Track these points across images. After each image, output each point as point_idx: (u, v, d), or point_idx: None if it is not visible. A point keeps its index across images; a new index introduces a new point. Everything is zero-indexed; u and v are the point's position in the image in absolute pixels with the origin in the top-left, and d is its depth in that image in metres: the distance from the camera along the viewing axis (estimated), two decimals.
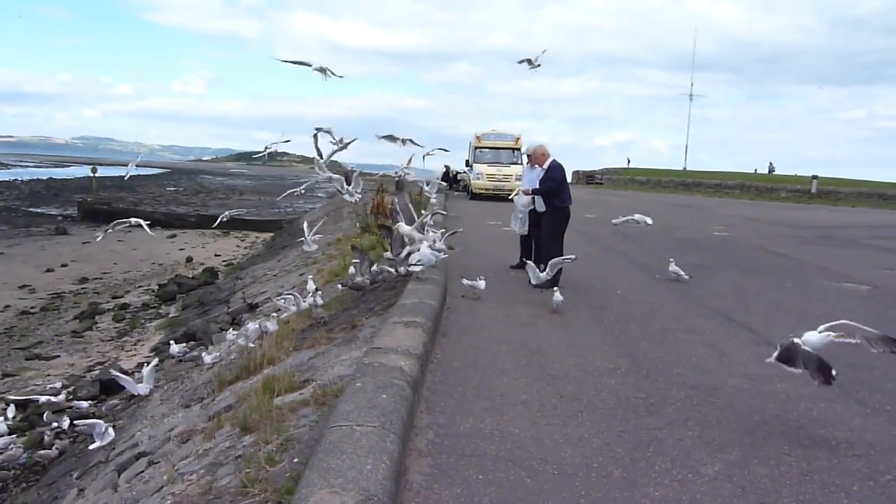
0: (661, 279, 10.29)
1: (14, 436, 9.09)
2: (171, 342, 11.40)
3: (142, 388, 8.79)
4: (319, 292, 9.22)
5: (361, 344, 6.40)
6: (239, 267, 24.44)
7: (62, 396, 10.16)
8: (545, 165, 9.78)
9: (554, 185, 9.56)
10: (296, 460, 3.72)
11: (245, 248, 32.21)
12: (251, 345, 8.74)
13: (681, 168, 66.05)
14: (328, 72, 8.68)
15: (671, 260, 10.31)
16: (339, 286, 9.68)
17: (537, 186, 9.78)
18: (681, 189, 49.39)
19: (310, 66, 8.50)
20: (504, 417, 4.54)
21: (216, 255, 29.00)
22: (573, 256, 8.77)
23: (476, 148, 29.29)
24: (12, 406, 10.00)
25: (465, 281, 8.37)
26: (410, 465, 3.72)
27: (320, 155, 9.22)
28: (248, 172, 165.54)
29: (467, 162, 30.65)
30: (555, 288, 7.96)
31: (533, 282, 8.49)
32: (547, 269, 8.37)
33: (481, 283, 8.27)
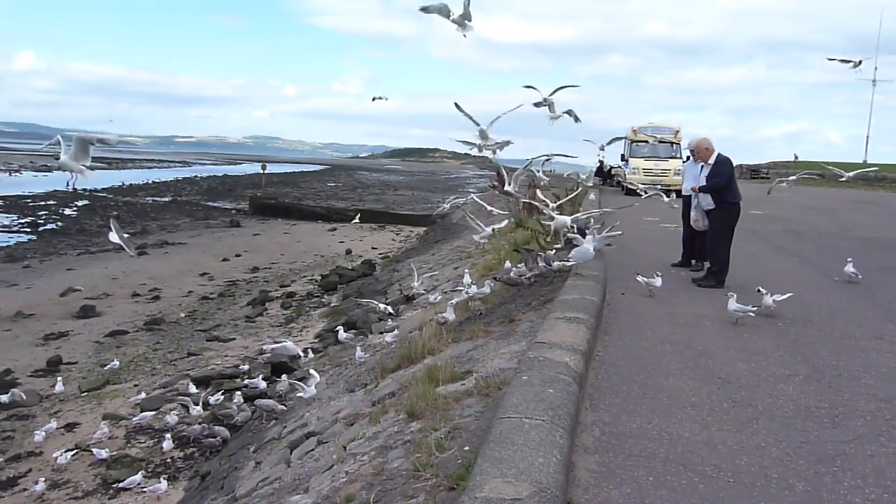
0: (840, 281, 9.50)
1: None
2: (340, 328, 12.00)
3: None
4: (485, 285, 9.39)
5: (520, 338, 6.43)
6: (395, 260, 25.32)
7: (257, 379, 10.98)
8: (710, 160, 9.27)
9: (722, 180, 9.05)
10: (466, 448, 3.81)
11: (400, 241, 33.32)
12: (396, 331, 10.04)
13: (860, 161, 60.57)
14: (465, 23, 8.43)
15: (849, 260, 9.51)
16: (493, 280, 9.76)
17: (701, 183, 9.33)
18: (860, 184, 45.32)
19: (448, 16, 8.41)
20: (672, 420, 4.39)
21: (373, 248, 30.21)
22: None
23: (632, 141, 28.44)
24: (191, 383, 11.04)
25: (639, 278, 8.14)
26: (577, 462, 3.70)
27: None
28: (401, 168, 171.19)
29: (622, 156, 29.85)
30: (729, 295, 7.15)
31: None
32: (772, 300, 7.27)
33: (657, 281, 8.02)
